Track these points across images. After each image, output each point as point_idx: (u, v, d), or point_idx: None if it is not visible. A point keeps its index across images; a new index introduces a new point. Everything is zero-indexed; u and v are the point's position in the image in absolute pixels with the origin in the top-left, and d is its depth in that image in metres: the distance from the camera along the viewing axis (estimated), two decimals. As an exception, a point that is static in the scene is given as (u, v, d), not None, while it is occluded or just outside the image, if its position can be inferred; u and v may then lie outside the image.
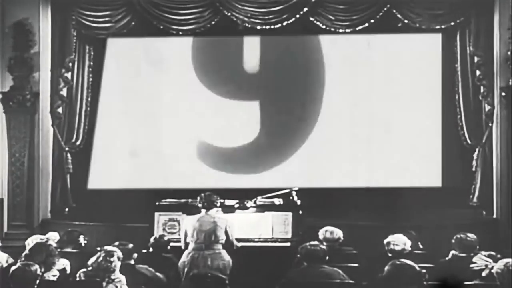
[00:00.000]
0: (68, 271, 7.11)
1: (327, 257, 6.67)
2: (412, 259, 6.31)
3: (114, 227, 10.45)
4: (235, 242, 8.16)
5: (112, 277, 6.36)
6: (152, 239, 8.17)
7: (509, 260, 5.82)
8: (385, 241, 7.60)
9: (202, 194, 8.16)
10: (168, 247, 8.19)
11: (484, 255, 6.72)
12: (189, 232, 7.95)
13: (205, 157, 11.87)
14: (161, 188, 11.22)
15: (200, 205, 8.10)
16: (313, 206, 9.82)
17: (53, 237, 8.34)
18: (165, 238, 8.27)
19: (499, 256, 6.71)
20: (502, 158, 10.89)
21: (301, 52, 11.86)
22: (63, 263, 7.12)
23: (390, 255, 7.46)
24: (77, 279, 6.60)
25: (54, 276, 6.71)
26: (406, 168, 11.64)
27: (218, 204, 8.20)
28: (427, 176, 11.59)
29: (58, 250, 7.54)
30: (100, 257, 6.41)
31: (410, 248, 7.58)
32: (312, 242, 6.84)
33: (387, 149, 11.71)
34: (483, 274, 6.27)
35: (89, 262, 6.49)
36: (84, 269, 6.56)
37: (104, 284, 6.32)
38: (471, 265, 6.57)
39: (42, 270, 6.26)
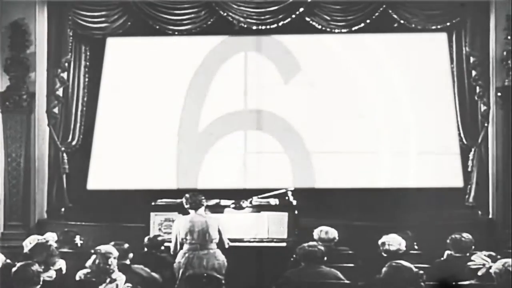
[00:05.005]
0: (64, 271, 7.10)
1: (325, 258, 6.70)
2: (408, 260, 6.32)
3: (110, 227, 10.44)
4: (226, 241, 8.15)
5: (113, 276, 6.37)
6: (146, 239, 8.18)
7: (507, 260, 5.83)
8: (379, 242, 7.61)
9: (187, 195, 8.14)
10: (163, 247, 8.19)
11: (484, 255, 6.74)
12: (182, 233, 7.93)
13: (204, 157, 11.87)
14: (157, 188, 11.22)
15: (187, 206, 8.08)
16: (309, 206, 9.83)
17: (50, 237, 8.32)
18: (159, 238, 8.26)
19: (499, 257, 6.73)
20: (498, 158, 10.89)
21: (302, 52, 11.87)
22: (59, 263, 7.13)
23: (385, 255, 7.47)
24: (77, 279, 6.62)
25: (49, 277, 6.70)
26: (402, 168, 11.66)
27: (205, 203, 8.19)
28: (423, 176, 11.60)
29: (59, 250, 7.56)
30: (97, 259, 6.41)
31: (405, 248, 7.59)
32: (310, 243, 6.89)
33: (384, 149, 11.72)
34: (479, 273, 6.29)
35: (87, 265, 6.49)
36: (83, 271, 6.56)
37: (105, 284, 6.32)
38: (469, 263, 6.60)
39: (42, 269, 6.26)
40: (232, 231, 8.38)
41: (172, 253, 8.15)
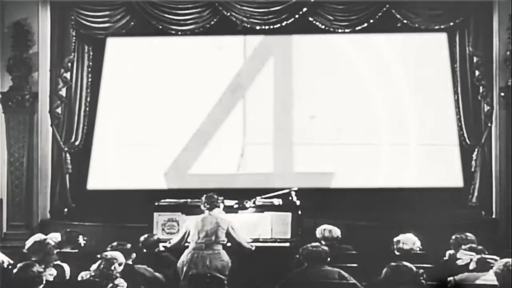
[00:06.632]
0: (68, 275, 7.08)
1: (329, 258, 6.70)
2: (412, 259, 6.33)
3: (113, 227, 10.45)
4: (245, 244, 8.15)
5: (116, 282, 6.36)
6: (142, 238, 8.14)
7: (508, 260, 5.82)
8: (394, 239, 7.69)
9: (205, 195, 8.16)
10: (158, 248, 8.17)
11: (466, 249, 6.80)
12: (191, 231, 7.96)
13: (205, 157, 11.87)
14: (160, 188, 11.21)
15: (202, 206, 8.10)
16: (312, 206, 9.82)
17: (54, 238, 8.31)
18: (155, 237, 8.24)
19: (479, 247, 6.77)
20: (501, 158, 10.91)
21: (303, 52, 11.85)
22: (58, 261, 7.11)
23: (398, 253, 7.51)
24: (79, 279, 6.61)
25: (51, 275, 6.70)
26: (405, 168, 11.65)
27: (221, 205, 8.20)
28: (426, 177, 11.59)
29: (57, 250, 7.55)
30: (102, 265, 6.40)
31: (418, 248, 7.65)
32: (313, 244, 6.92)
33: (387, 149, 11.71)
34: (470, 267, 6.33)
35: (91, 269, 6.49)
36: (86, 272, 6.56)
37: None
38: (457, 262, 6.64)
39: (42, 267, 6.26)
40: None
41: (169, 245, 8.19)
